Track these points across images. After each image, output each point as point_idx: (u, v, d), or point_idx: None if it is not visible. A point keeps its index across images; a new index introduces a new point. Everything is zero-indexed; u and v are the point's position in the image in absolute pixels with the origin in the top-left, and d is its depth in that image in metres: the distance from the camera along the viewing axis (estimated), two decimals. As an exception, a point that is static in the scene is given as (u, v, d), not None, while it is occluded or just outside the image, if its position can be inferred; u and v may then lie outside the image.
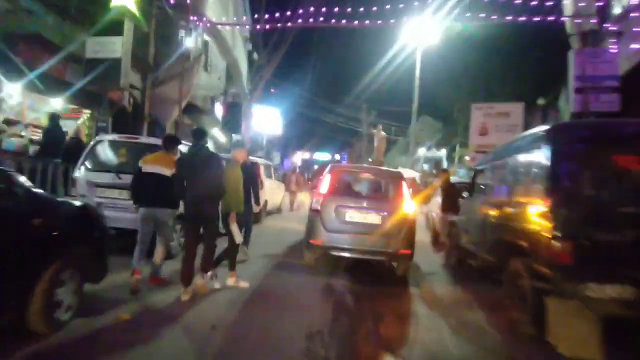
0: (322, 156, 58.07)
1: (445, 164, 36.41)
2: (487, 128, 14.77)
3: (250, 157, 6.98)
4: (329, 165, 5.49)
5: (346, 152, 58.17)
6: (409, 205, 4.83)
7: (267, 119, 28.35)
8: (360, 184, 5.47)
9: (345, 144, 58.82)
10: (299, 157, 51.54)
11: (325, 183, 4.98)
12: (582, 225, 2.61)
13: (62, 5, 7.28)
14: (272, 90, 26.27)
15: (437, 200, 7.35)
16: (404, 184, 5.03)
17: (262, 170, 8.09)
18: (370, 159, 18.82)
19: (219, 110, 13.01)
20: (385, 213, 4.74)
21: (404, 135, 36.17)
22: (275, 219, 9.90)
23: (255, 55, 17.35)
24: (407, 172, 19.29)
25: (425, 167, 32.79)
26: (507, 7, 8.63)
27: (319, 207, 4.82)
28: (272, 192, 9.47)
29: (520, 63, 22.02)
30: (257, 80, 16.60)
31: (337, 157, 55.67)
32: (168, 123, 9.94)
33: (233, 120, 12.82)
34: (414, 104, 22.32)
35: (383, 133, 15.10)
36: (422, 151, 35.89)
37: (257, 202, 5.12)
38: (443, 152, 36.97)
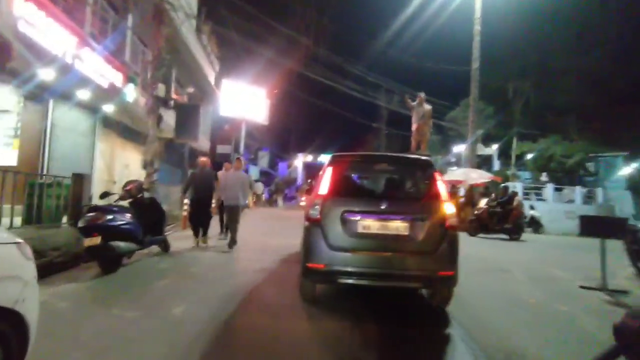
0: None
1: (496, 165, 28.80)
2: None
3: None
4: (330, 156, 4.50)
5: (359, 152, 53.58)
6: (448, 206, 3.92)
7: (244, 100, 22.64)
8: (375, 180, 4.22)
9: (357, 143, 54.04)
10: (300, 161, 46.58)
11: (325, 180, 4.10)
12: None
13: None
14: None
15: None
16: (437, 176, 4.17)
17: None
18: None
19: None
20: (415, 218, 3.81)
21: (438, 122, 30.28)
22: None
23: None
24: (475, 175, 14.19)
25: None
26: None
27: (318, 215, 3.89)
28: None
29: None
30: None
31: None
32: None
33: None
34: (473, 65, 15.58)
35: (428, 106, 10.92)
36: (461, 148, 28.01)
37: None
38: (493, 149, 28.94)
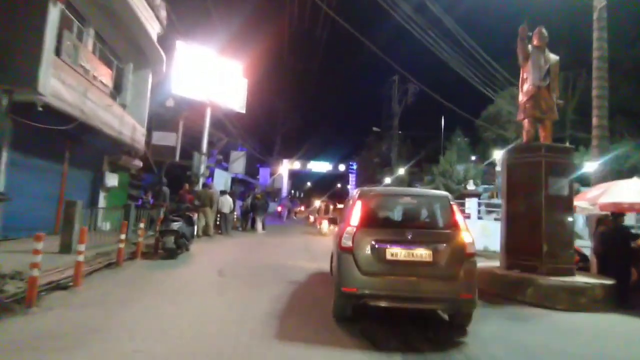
0: (320, 167, 48.76)
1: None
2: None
3: None
4: (357, 190, 5.84)
5: (356, 160, 48.95)
6: (467, 235, 5.01)
7: (210, 75, 17.51)
8: (400, 212, 5.75)
9: (355, 150, 47.39)
10: (285, 168, 42.34)
11: (356, 212, 5.17)
12: None
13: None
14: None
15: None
16: (455, 208, 5.32)
17: None
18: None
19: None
20: (437, 246, 4.84)
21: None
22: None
23: None
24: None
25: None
26: None
27: (350, 244, 4.89)
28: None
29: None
30: None
31: (342, 167, 47.60)
32: None
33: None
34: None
35: (554, 56, 8.23)
36: (497, 155, 22.67)
37: None
38: (537, 158, 25.02)
